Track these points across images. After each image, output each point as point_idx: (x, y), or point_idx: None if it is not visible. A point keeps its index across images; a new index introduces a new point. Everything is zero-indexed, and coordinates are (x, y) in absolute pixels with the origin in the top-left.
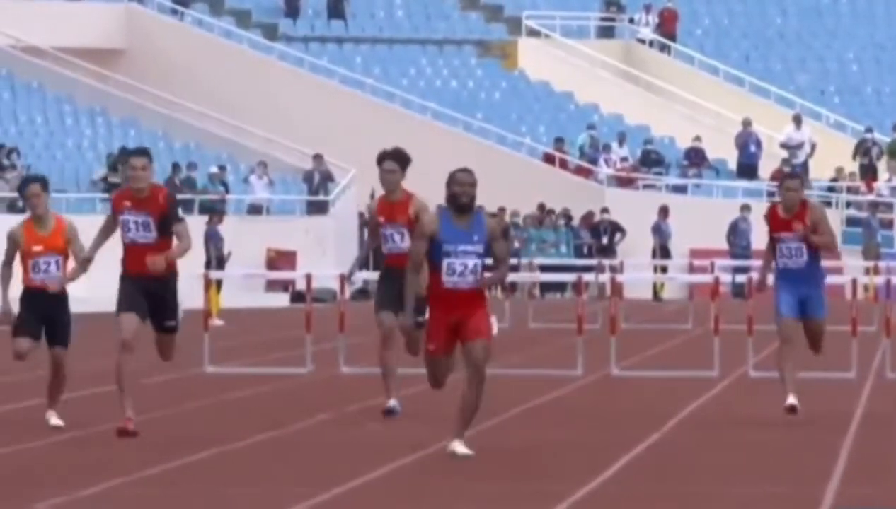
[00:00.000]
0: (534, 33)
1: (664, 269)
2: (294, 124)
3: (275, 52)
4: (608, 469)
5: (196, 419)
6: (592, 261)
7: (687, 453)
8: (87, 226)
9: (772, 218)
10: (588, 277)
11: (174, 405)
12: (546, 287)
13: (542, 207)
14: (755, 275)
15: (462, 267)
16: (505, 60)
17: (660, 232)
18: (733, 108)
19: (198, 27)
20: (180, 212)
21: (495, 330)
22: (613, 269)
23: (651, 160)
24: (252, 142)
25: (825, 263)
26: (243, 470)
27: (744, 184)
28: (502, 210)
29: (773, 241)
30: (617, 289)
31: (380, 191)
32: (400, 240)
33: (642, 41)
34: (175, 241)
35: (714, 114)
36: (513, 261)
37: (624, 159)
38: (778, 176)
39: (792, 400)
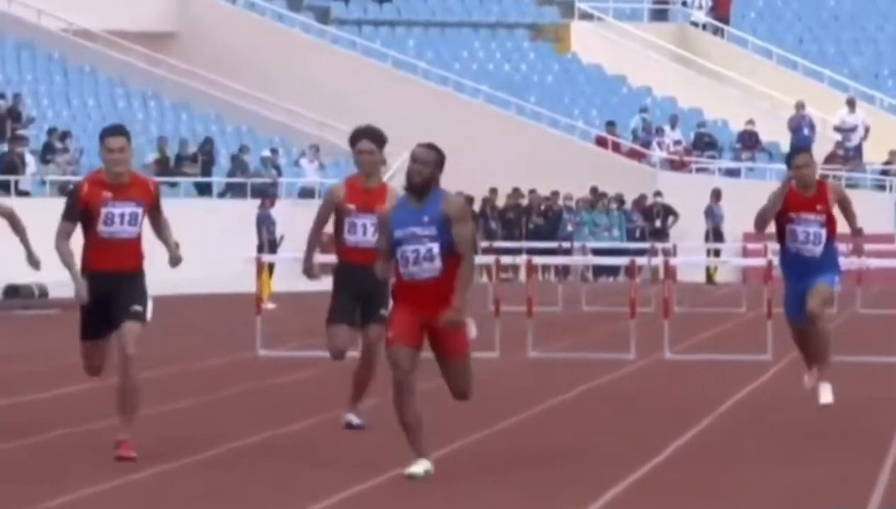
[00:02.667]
0: (586, 16)
1: (717, 253)
2: (346, 107)
3: (327, 35)
4: (660, 453)
5: (249, 403)
6: (645, 245)
7: (739, 437)
8: None
9: (789, 196)
10: (641, 261)
11: (226, 388)
12: (599, 270)
13: (594, 191)
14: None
15: (413, 254)
16: (558, 44)
17: (712, 215)
18: (787, 90)
19: (250, 11)
20: None
21: (473, 333)
22: (666, 253)
23: (704, 143)
24: (304, 125)
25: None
26: (298, 454)
27: None
28: (493, 191)
29: (780, 224)
30: (670, 272)
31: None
32: (372, 234)
33: (695, 24)
34: (164, 232)
35: (767, 97)
36: (566, 244)
37: (677, 142)
38: (832, 159)
39: (825, 397)
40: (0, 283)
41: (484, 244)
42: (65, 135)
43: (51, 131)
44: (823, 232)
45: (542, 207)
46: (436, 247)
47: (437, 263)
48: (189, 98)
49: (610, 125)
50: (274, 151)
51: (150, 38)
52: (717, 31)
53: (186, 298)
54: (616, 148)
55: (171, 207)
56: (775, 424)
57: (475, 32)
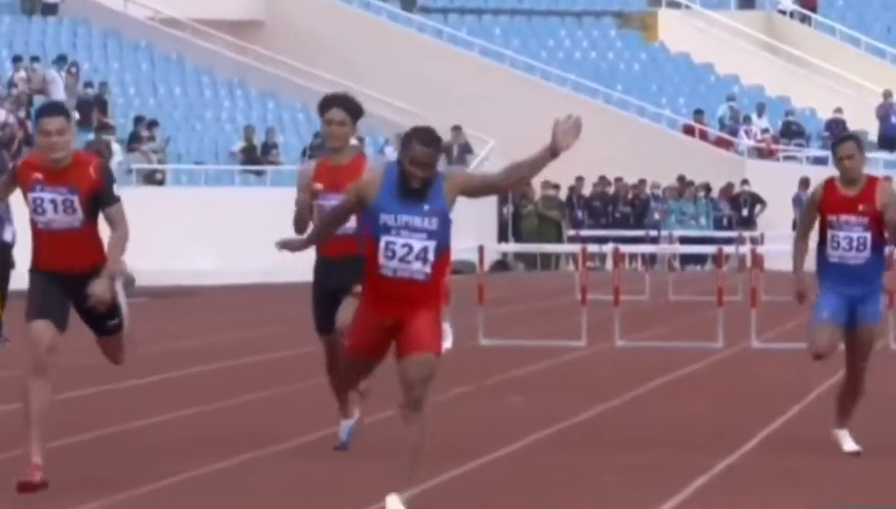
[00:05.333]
0: (674, 4)
1: None
2: (432, 96)
3: (413, 23)
4: (748, 442)
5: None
6: (732, 233)
7: (827, 427)
8: (225, 198)
9: (828, 194)
10: (728, 249)
11: (296, 382)
12: (686, 259)
13: (681, 179)
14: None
15: (405, 249)
16: (645, 32)
17: (800, 203)
18: (874, 79)
19: None
20: (115, 189)
21: (447, 343)
22: (754, 241)
23: (792, 131)
24: (389, 113)
25: None
26: (380, 443)
27: (885, 155)
28: (580, 179)
29: (822, 229)
30: (757, 260)
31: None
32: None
33: (783, 12)
34: (108, 234)
35: (855, 85)
36: (653, 232)
37: (764, 131)
38: None
39: (850, 445)
40: None
41: (570, 232)
42: (152, 124)
43: (137, 120)
44: (868, 236)
45: (630, 196)
46: (432, 246)
47: (427, 266)
48: (275, 86)
49: (697, 113)
50: (360, 139)
51: (236, 27)
52: (804, 19)
53: (273, 287)
54: (703, 136)
55: (258, 196)
56: (862, 412)
57: (562, 20)
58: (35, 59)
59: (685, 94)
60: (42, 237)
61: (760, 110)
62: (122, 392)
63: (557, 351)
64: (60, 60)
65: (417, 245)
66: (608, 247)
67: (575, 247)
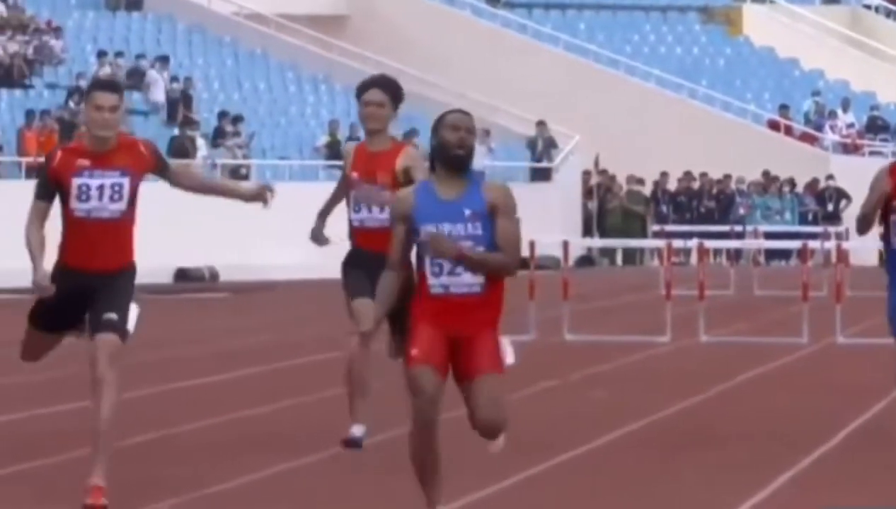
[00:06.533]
0: None
1: None
2: (517, 91)
3: (498, 18)
4: (833, 437)
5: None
6: (818, 229)
7: None
8: (310, 193)
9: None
10: (813, 244)
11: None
12: (771, 254)
13: (766, 174)
14: None
15: (453, 262)
16: (729, 26)
17: None
18: None
19: None
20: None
21: (510, 358)
22: (839, 236)
23: (877, 126)
24: (475, 108)
25: None
26: (463, 438)
27: None
28: (665, 175)
29: (886, 218)
30: (842, 256)
31: (606, 156)
32: (379, 210)
33: (868, 6)
34: (205, 181)
35: None
36: (738, 227)
37: (850, 126)
38: None
39: None
40: (170, 267)
41: (655, 228)
42: (236, 120)
43: (222, 115)
44: None
45: (714, 191)
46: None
47: (480, 276)
48: (359, 81)
49: (782, 108)
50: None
51: (321, 22)
52: (889, 14)
53: None
54: (788, 131)
55: None
56: None
57: (646, 15)
58: (119, 54)
59: (770, 88)
60: (77, 227)
61: (845, 105)
62: (189, 390)
63: (642, 346)
64: (162, 60)
65: None
66: (693, 243)
67: (660, 243)
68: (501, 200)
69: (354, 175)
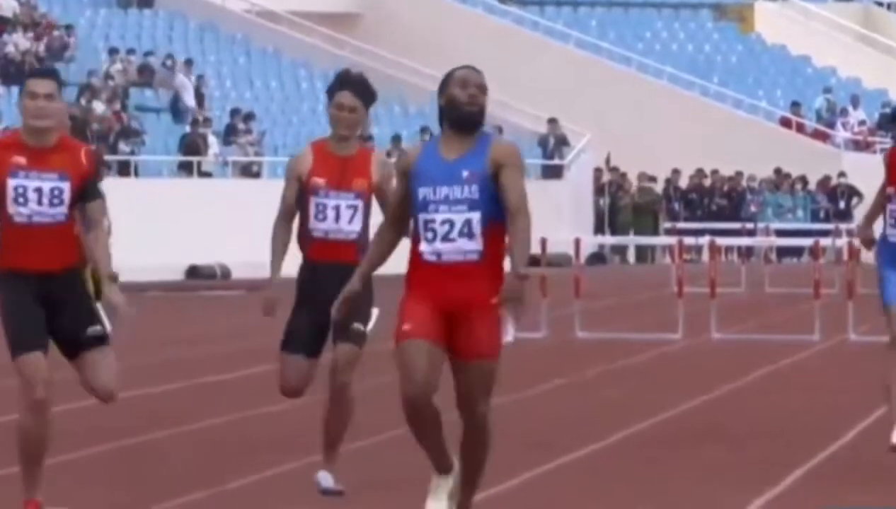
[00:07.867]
0: None
1: None
2: (529, 88)
3: (510, 15)
4: (845, 435)
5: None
6: (829, 226)
7: None
8: None
9: (892, 166)
10: (825, 242)
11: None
12: (783, 251)
13: (778, 171)
14: None
15: (445, 226)
16: (741, 24)
17: None
18: None
19: None
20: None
21: (509, 336)
22: (851, 234)
23: (889, 124)
24: (487, 106)
25: None
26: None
27: None
28: (676, 172)
29: (882, 197)
30: (854, 253)
31: (618, 154)
32: (349, 220)
33: (880, 3)
34: (90, 233)
35: None
36: (749, 225)
37: (861, 123)
38: None
39: None
40: (182, 264)
41: (667, 225)
42: (248, 117)
43: (233, 113)
44: None
45: (726, 188)
46: (476, 218)
47: (477, 242)
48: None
49: (794, 105)
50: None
51: (333, 20)
52: None
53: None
54: (800, 128)
55: None
56: None
57: (658, 12)
58: (130, 51)
59: (782, 86)
60: (17, 233)
61: (857, 102)
62: (203, 387)
63: (654, 344)
64: (188, 63)
65: (458, 219)
66: (704, 240)
67: (671, 240)
68: (507, 156)
69: (320, 181)
